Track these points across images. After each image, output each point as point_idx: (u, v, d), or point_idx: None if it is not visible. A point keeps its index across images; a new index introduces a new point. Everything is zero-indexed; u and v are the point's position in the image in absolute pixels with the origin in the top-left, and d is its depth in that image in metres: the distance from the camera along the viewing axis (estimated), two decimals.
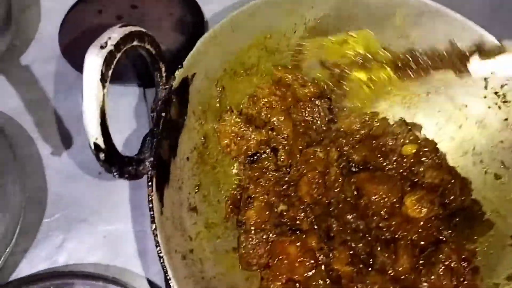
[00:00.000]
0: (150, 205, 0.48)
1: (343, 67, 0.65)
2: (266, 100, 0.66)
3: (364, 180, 0.63)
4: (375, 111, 0.69)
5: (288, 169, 0.65)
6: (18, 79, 0.75)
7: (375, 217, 0.62)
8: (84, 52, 0.42)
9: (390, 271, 0.59)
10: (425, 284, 0.58)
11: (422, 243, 0.61)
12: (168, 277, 0.47)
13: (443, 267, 0.58)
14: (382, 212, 0.62)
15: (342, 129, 0.67)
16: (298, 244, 0.60)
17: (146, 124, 0.72)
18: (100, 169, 0.46)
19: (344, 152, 0.66)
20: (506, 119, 0.62)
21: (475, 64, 0.58)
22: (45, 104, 0.73)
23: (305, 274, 0.59)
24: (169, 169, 0.54)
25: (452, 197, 0.64)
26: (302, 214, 0.62)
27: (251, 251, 0.60)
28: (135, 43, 0.47)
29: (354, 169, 0.65)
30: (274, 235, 0.61)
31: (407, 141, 0.66)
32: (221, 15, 0.59)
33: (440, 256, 0.59)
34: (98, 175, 0.68)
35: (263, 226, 0.61)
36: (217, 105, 0.63)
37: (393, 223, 0.61)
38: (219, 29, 0.59)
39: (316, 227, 0.62)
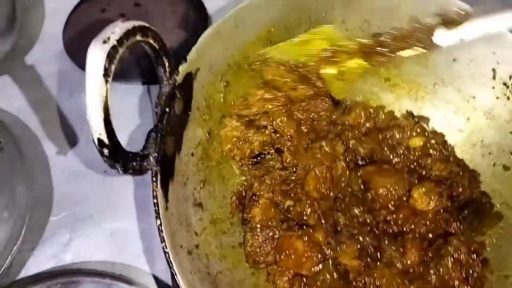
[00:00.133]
0: (155, 201, 0.48)
1: (311, 66, 0.63)
2: (258, 103, 0.64)
3: (371, 173, 0.62)
4: (381, 104, 0.69)
5: (294, 168, 0.64)
6: (23, 78, 0.75)
7: (382, 211, 0.61)
8: None
9: (398, 265, 0.58)
10: (433, 277, 0.58)
11: (430, 236, 0.60)
12: (173, 272, 0.46)
13: (452, 260, 0.58)
14: (389, 205, 0.61)
15: (347, 123, 0.67)
16: (305, 239, 0.59)
17: (151, 121, 0.72)
18: (106, 167, 0.45)
19: (350, 146, 0.65)
20: None
21: (442, 35, 0.57)
22: (50, 103, 0.74)
23: (313, 269, 0.59)
24: (174, 165, 0.54)
25: (460, 190, 0.63)
26: (309, 209, 0.62)
27: (258, 249, 0.60)
28: (138, 38, 0.46)
29: (360, 163, 0.65)
30: (281, 232, 0.60)
31: (414, 134, 0.66)
32: (225, 10, 0.59)
33: (449, 248, 0.58)
34: (103, 173, 0.68)
35: (269, 223, 0.61)
36: (222, 100, 0.63)
37: (401, 216, 0.61)
38: (223, 23, 0.58)
39: (323, 221, 0.62)
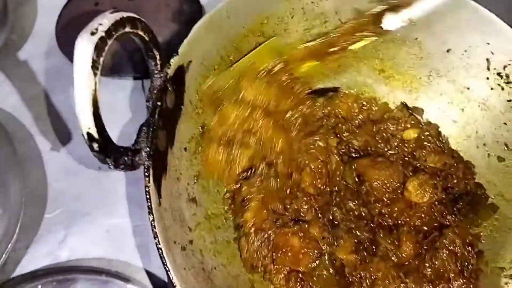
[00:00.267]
0: (147, 196, 0.48)
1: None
2: (236, 120, 0.60)
3: (365, 166, 0.62)
4: (375, 96, 0.69)
5: (289, 174, 0.62)
6: (16, 74, 0.74)
7: (377, 203, 0.61)
8: None
9: (393, 258, 0.58)
10: (429, 269, 0.57)
11: (425, 228, 0.60)
12: (167, 269, 0.46)
13: (447, 252, 0.57)
14: (384, 198, 0.61)
15: (340, 116, 0.66)
16: (300, 235, 0.59)
17: (144, 116, 0.70)
18: (100, 163, 0.45)
19: (344, 138, 0.65)
20: (509, 100, 0.61)
21: (389, 19, 0.58)
22: (43, 99, 0.73)
23: (310, 265, 0.58)
24: (167, 160, 0.53)
25: (455, 181, 0.63)
26: (306, 206, 0.61)
27: (254, 254, 0.59)
28: (127, 29, 0.45)
29: (354, 155, 0.64)
30: (276, 232, 0.59)
31: (409, 126, 0.66)
32: (217, 1, 0.58)
33: (444, 241, 0.58)
34: (98, 169, 0.68)
35: (263, 225, 0.60)
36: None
37: (396, 209, 0.61)
38: (215, 15, 0.58)
39: (320, 216, 0.61)
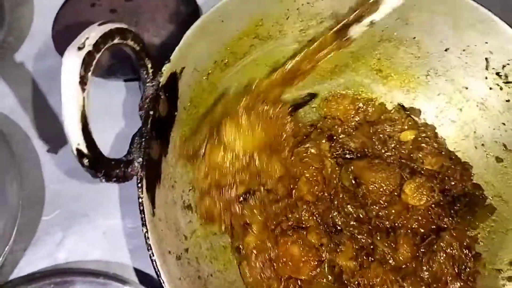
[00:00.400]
0: (141, 208, 0.47)
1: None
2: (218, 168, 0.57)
3: (362, 168, 0.62)
4: (372, 96, 0.68)
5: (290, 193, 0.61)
6: (13, 76, 0.74)
7: (374, 206, 0.61)
8: None
9: (390, 261, 0.58)
10: (426, 273, 0.57)
11: (422, 231, 0.60)
12: (161, 281, 0.46)
13: (444, 255, 0.57)
14: (381, 200, 0.61)
15: (337, 117, 0.66)
16: (300, 242, 0.58)
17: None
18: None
19: (340, 140, 0.64)
20: (508, 101, 0.60)
21: (354, 29, 0.58)
22: (41, 100, 0.73)
23: (310, 273, 0.58)
24: (161, 168, 0.53)
25: (452, 183, 0.62)
26: (307, 214, 0.61)
27: (258, 277, 0.58)
28: (116, 41, 0.45)
29: (348, 156, 0.64)
30: (276, 249, 0.58)
31: (406, 127, 0.65)
32: (214, 2, 0.57)
33: (441, 244, 0.58)
34: None
35: (264, 246, 0.58)
36: (209, 98, 0.61)
37: (393, 211, 0.60)
38: (207, 19, 0.57)
39: (320, 223, 0.61)
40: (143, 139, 0.49)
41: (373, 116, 0.66)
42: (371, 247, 0.59)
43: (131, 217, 0.66)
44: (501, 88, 0.61)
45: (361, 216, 0.61)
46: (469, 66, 0.62)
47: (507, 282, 0.57)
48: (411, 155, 0.64)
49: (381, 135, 0.65)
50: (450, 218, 0.60)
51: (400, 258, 0.58)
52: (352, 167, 0.62)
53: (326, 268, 0.58)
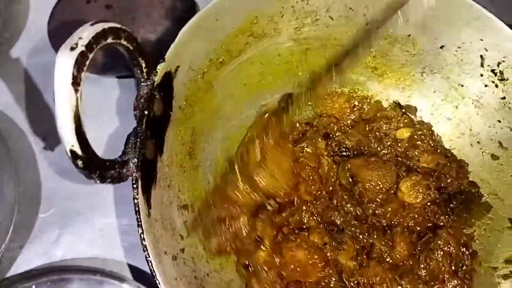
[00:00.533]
0: (136, 209, 0.47)
1: None
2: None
3: (358, 166, 0.62)
4: (368, 94, 0.68)
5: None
6: (8, 72, 0.74)
7: (371, 204, 0.61)
8: None
9: (387, 259, 0.58)
10: (423, 270, 0.57)
11: (419, 229, 0.60)
12: (157, 281, 0.46)
13: (441, 253, 0.58)
14: (377, 199, 0.61)
15: (332, 115, 0.66)
16: (304, 245, 0.57)
17: None
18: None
19: (336, 138, 0.64)
20: (503, 98, 0.60)
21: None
22: (37, 97, 0.72)
23: (319, 275, 0.58)
24: (156, 168, 0.52)
25: (448, 181, 0.62)
26: (307, 214, 0.60)
27: None
28: (109, 40, 0.44)
29: (345, 153, 0.64)
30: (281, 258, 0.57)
31: (402, 125, 0.65)
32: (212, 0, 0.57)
33: (438, 242, 0.58)
34: None
35: (272, 260, 0.57)
36: (204, 97, 0.61)
37: (389, 209, 0.60)
38: (202, 17, 0.56)
39: (321, 222, 0.61)
40: (138, 139, 0.49)
41: (369, 114, 0.66)
42: (370, 246, 0.59)
43: (127, 215, 0.66)
44: (496, 86, 0.61)
45: (359, 214, 0.61)
46: (465, 64, 0.62)
47: (503, 280, 0.57)
48: (407, 152, 0.64)
49: (377, 133, 0.65)
50: (446, 216, 0.61)
51: (397, 256, 0.58)
52: (348, 165, 0.62)
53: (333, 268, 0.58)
